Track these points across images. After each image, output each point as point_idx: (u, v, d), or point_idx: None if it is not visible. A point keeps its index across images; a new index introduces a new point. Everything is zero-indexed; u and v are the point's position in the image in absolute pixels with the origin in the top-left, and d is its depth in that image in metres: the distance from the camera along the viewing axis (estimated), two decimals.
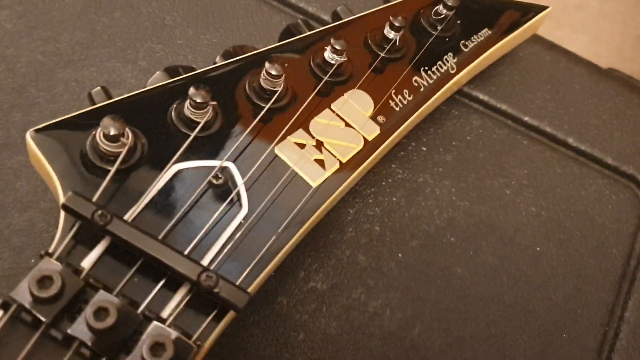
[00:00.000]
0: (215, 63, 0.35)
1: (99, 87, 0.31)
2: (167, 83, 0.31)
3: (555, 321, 0.40)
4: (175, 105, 0.31)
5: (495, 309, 0.39)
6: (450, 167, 0.43)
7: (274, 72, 0.32)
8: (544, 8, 0.44)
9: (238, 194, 0.30)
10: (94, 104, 0.30)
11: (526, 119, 0.45)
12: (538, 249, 0.42)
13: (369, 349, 0.37)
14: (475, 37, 0.40)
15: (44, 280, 0.24)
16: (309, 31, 0.37)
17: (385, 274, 0.39)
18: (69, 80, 0.40)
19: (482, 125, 0.44)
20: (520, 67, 0.46)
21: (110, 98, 0.31)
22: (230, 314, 0.27)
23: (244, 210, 0.29)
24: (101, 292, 0.25)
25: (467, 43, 0.39)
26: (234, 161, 0.31)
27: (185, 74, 0.33)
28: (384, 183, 0.42)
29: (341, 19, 0.39)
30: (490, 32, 0.41)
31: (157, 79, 0.33)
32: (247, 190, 0.30)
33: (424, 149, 0.43)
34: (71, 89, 0.40)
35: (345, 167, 0.33)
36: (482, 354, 0.38)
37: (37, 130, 0.28)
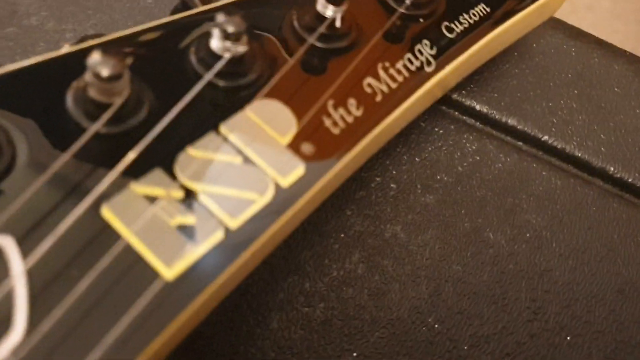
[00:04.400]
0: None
1: None
2: None
3: None
4: None
5: None
6: (434, 213, 0.29)
7: (104, 74, 0.18)
8: None
9: (7, 302, 0.16)
10: None
11: (545, 138, 0.31)
12: (569, 338, 0.27)
13: None
14: (465, 16, 0.26)
15: None
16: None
17: None
18: None
19: (480, 150, 0.30)
20: (534, 64, 0.32)
21: None
22: None
23: (16, 333, 0.15)
24: None
25: (452, 26, 0.25)
26: (14, 233, 0.17)
27: None
28: (332, 240, 0.28)
29: None
30: (488, 10, 0.27)
31: None
32: (31, 289, 0.16)
33: (394, 186, 0.29)
34: None
35: (236, 239, 0.19)
36: None
37: None
